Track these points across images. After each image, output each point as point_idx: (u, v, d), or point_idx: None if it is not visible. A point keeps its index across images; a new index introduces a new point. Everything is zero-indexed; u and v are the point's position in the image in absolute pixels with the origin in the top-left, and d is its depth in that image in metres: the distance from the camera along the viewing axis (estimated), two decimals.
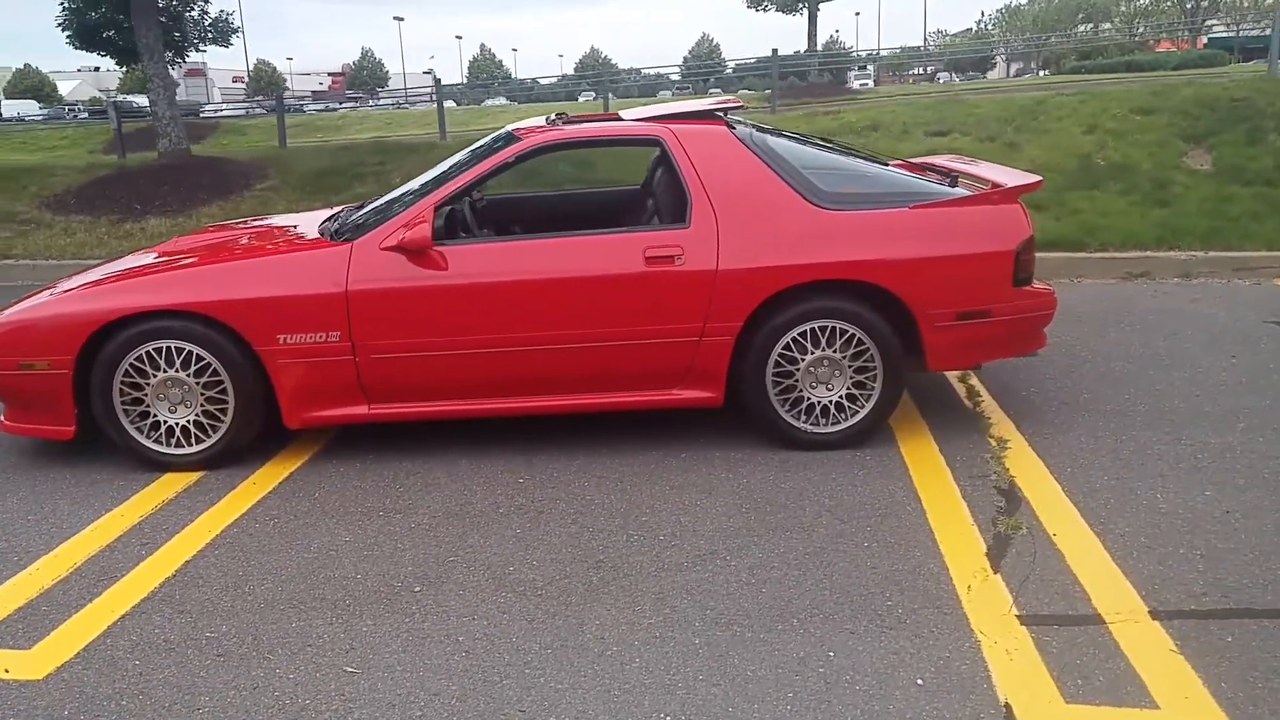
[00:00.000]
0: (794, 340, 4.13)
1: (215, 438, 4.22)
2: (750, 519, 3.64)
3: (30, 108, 54.17)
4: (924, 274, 4.10)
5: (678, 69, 49.73)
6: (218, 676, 2.77)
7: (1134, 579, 3.13)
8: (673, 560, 3.35)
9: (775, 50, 18.49)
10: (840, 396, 4.21)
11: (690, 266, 4.06)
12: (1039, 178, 4.45)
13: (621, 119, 4.60)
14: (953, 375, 5.22)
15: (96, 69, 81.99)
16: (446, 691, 2.67)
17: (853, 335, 4.13)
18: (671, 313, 4.08)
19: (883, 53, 59.73)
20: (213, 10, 22.32)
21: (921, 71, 61.80)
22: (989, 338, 4.22)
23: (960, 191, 4.29)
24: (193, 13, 20.34)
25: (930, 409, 4.74)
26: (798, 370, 4.18)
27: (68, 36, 25.92)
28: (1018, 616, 2.95)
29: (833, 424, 4.23)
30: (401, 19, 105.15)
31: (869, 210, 4.15)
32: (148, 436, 4.23)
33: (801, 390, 4.21)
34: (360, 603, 3.15)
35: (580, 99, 37.87)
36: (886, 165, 4.76)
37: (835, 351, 4.15)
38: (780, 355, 4.16)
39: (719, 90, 37.32)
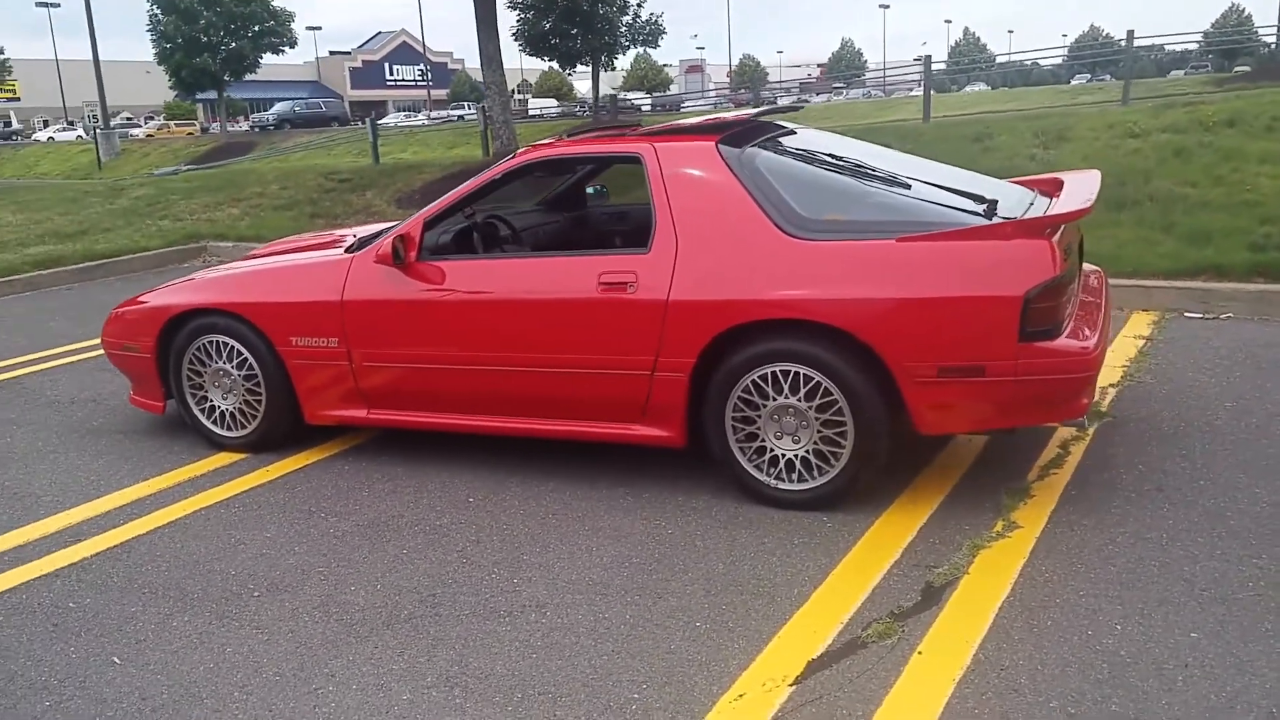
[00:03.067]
0: (755, 384, 3.69)
1: (253, 425, 4.65)
2: (621, 575, 3.34)
3: (550, 105, 60.33)
4: (898, 318, 3.47)
5: (1197, 42, 44.46)
6: (40, 645, 3.11)
7: None
8: (490, 606, 3.19)
9: None
10: (807, 452, 3.70)
11: (642, 295, 3.78)
12: (1084, 205, 3.56)
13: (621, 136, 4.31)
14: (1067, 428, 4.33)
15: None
16: (176, 696, 2.78)
17: (819, 384, 3.60)
18: (623, 343, 3.83)
19: None
20: (644, 14, 23.79)
21: None
22: (988, 400, 3.48)
23: (974, 222, 3.56)
24: (626, 17, 21.91)
25: (986, 468, 3.99)
26: (759, 417, 3.73)
27: (520, 45, 29.09)
28: None
29: (800, 481, 3.73)
30: (886, 6, 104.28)
31: (847, 241, 3.59)
32: (208, 418, 4.76)
33: (765, 440, 3.75)
34: (196, 599, 3.35)
35: (1073, 81, 35.51)
36: (932, 188, 4.04)
37: (800, 400, 3.64)
38: (741, 399, 3.74)
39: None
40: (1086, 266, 4.63)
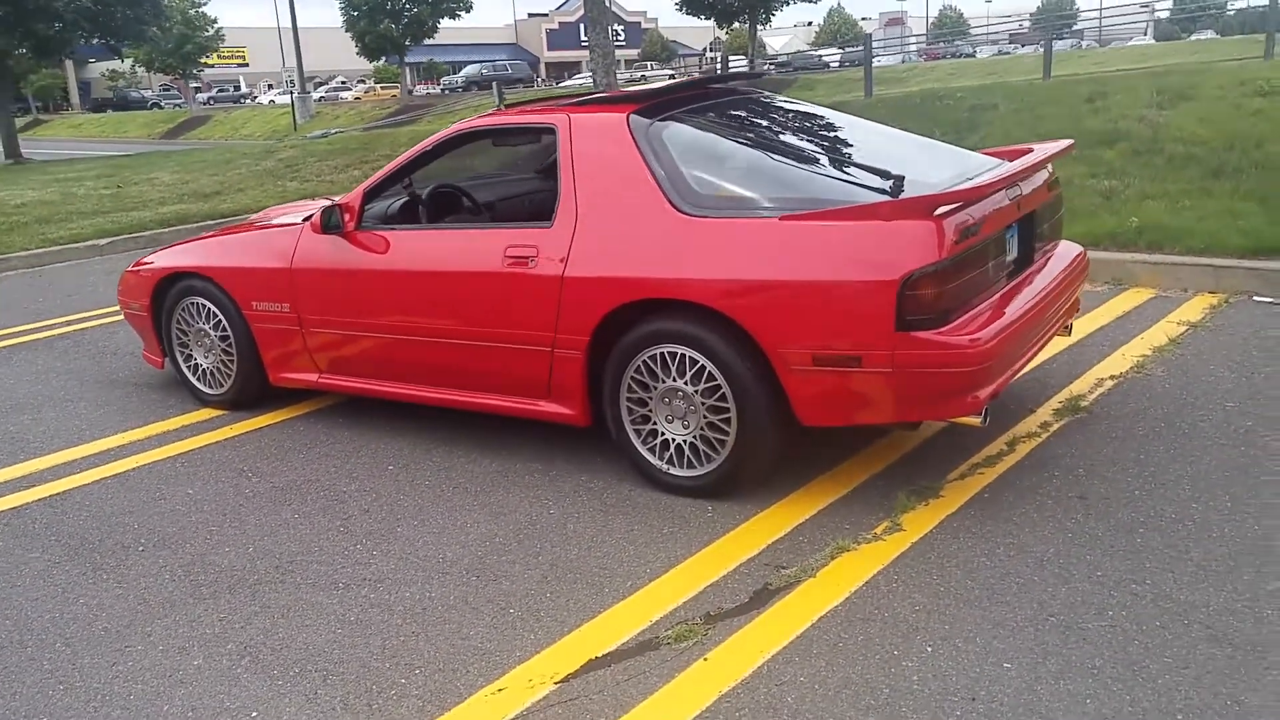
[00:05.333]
0: (646, 365, 3.57)
1: (229, 384, 4.86)
2: (475, 554, 3.33)
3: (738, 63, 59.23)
4: (772, 302, 3.27)
5: None
6: None
7: None
8: (332, 578, 3.23)
9: None
10: (695, 438, 3.55)
11: (540, 270, 3.70)
12: (976, 183, 3.24)
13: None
14: (1043, 417, 3.99)
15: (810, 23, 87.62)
16: (7, 641, 2.98)
17: (704, 368, 3.45)
18: (525, 318, 3.77)
19: None
20: None
21: None
22: (866, 393, 3.24)
23: (869, 198, 3.29)
24: None
25: (912, 461, 3.73)
26: (651, 399, 3.61)
27: (676, 3, 28.95)
28: None
29: (688, 468, 3.60)
30: None
31: (731, 219, 3.40)
32: (194, 375, 5.01)
33: (657, 424, 3.63)
34: (87, 550, 3.54)
35: None
36: (838, 160, 3.75)
37: (687, 384, 3.50)
38: (634, 380, 3.63)
39: None
40: (1065, 245, 4.23)
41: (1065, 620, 2.71)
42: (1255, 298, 5.65)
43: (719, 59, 42.93)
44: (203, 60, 51.43)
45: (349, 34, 40.64)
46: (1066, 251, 4.17)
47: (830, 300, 3.18)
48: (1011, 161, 3.73)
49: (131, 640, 2.95)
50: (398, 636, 2.87)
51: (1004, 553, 3.08)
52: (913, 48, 48.29)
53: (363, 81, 62.47)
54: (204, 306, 4.79)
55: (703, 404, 3.48)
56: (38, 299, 8.08)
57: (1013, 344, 3.33)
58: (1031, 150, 4.02)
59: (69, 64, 67.91)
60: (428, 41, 41.53)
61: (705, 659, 2.66)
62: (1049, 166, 4.13)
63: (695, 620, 2.84)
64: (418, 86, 60.23)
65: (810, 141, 3.94)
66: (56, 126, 55.60)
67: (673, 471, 3.62)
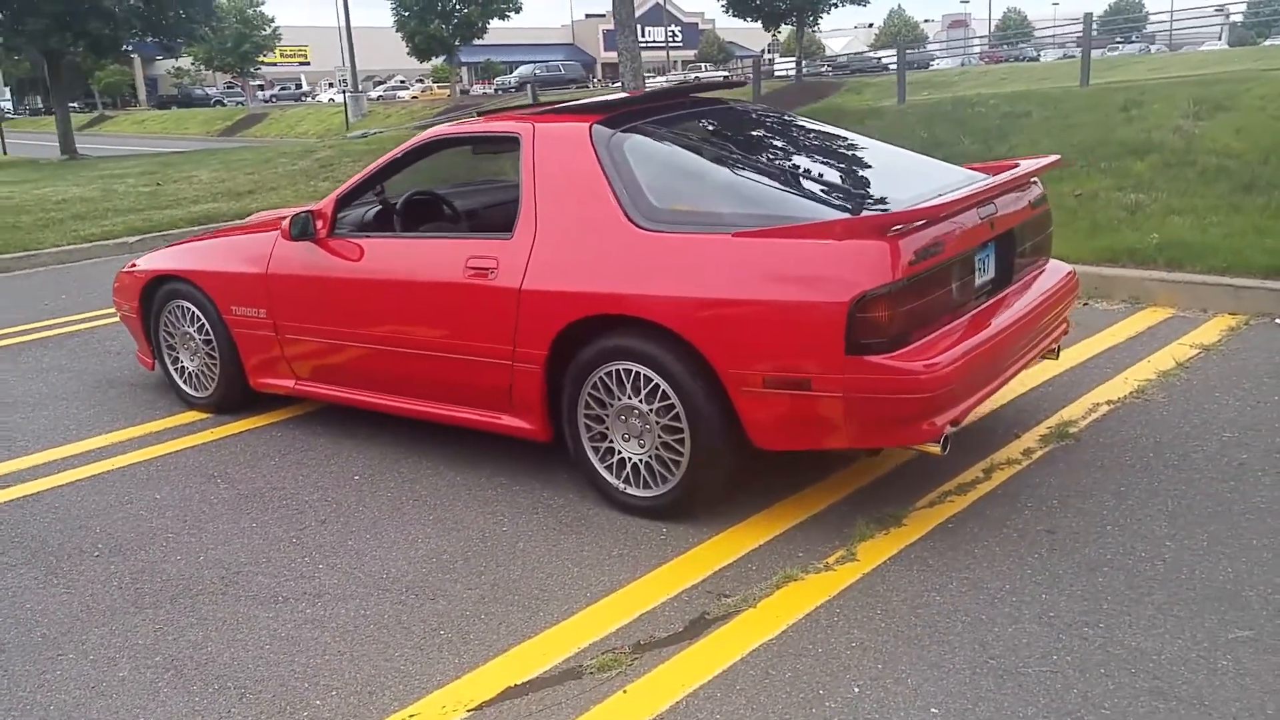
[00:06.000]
0: (602, 382, 3.50)
1: (213, 388, 4.86)
2: (420, 571, 3.27)
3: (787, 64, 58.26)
4: (723, 321, 3.18)
5: None
6: None
7: None
8: (273, 591, 3.20)
9: None
10: (650, 457, 3.47)
11: (500, 282, 3.64)
12: (944, 199, 3.11)
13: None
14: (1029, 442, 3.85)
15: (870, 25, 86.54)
16: None
17: (659, 386, 3.36)
18: (485, 330, 3.72)
19: None
20: None
21: None
22: (818, 417, 3.13)
23: (825, 215, 3.18)
24: None
25: (881, 487, 3.61)
26: (608, 416, 3.53)
27: (722, 5, 28.89)
28: None
29: (644, 487, 3.51)
30: None
31: (685, 234, 3.31)
32: (180, 378, 5.02)
33: (614, 441, 3.55)
34: (46, 554, 3.54)
35: None
36: (810, 176, 3.64)
37: (641, 402, 3.42)
38: (591, 396, 3.55)
39: None
40: (1054, 265, 4.08)
41: (1005, 664, 2.58)
42: (1278, 320, 5.43)
43: (773, 61, 42.74)
44: (261, 59, 52.32)
45: (399, 34, 41.03)
46: (1054, 271, 4.02)
47: (780, 321, 3.08)
48: (993, 177, 3.60)
49: (65, 649, 2.93)
50: (323, 655, 2.82)
51: (956, 587, 2.95)
52: (975, 49, 47.41)
53: (420, 81, 63.21)
54: (188, 310, 4.80)
55: (657, 423, 3.40)
56: (60, 296, 8.20)
57: (978, 369, 3.20)
58: (1016, 165, 3.88)
59: (137, 61, 69.62)
60: (486, 42, 41.80)
61: (624, 691, 2.58)
62: (1036, 182, 3.99)
63: (624, 649, 2.75)
64: (474, 86, 60.78)
65: (780, 156, 3.84)
66: (120, 123, 56.97)
67: (629, 491, 3.54)
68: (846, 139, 4.19)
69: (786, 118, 4.38)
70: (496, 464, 4.07)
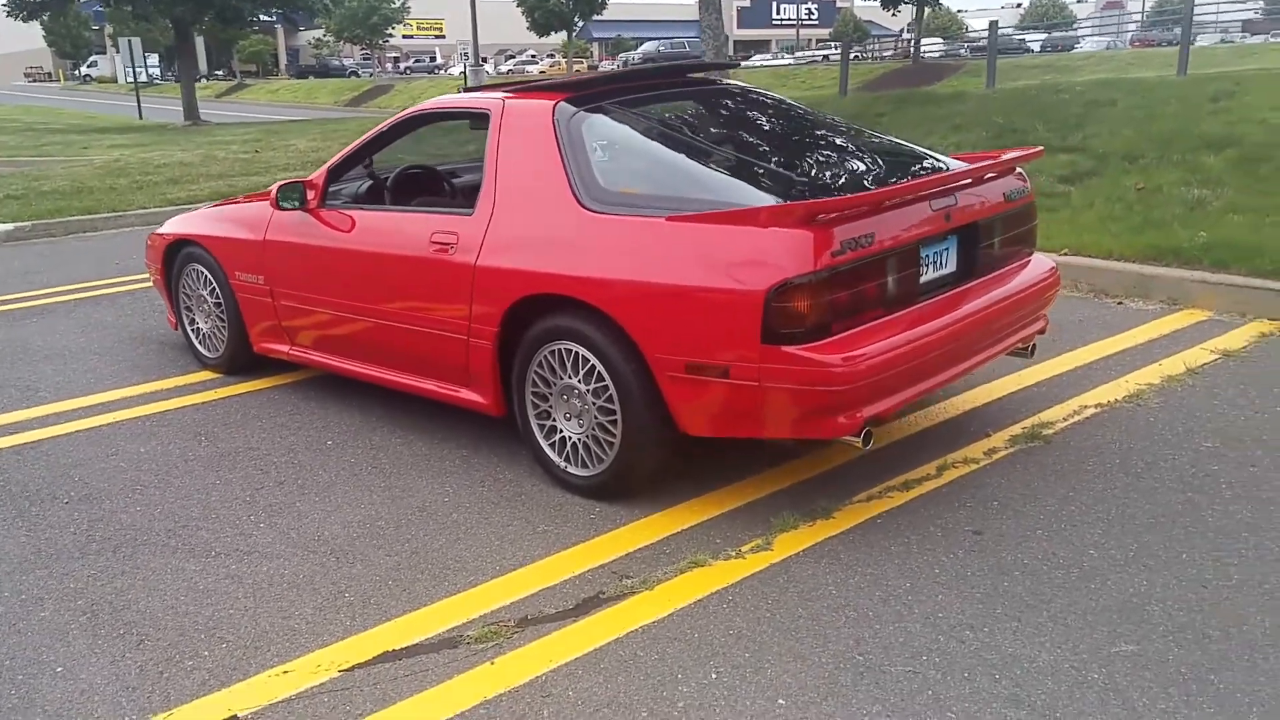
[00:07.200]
0: (546, 360, 3.54)
1: (223, 349, 5.07)
2: (351, 535, 3.38)
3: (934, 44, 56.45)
4: (648, 305, 3.17)
5: None
6: None
7: None
8: (208, 546, 3.34)
9: None
10: (588, 438, 3.49)
11: (457, 258, 3.71)
12: (877, 190, 3.04)
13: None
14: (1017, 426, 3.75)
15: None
16: None
17: (595, 367, 3.39)
18: (444, 304, 3.79)
19: None
20: None
21: None
22: (736, 406, 3.11)
23: (760, 202, 3.14)
24: None
25: (829, 478, 3.56)
26: (551, 395, 3.57)
27: None
28: None
29: (582, 467, 3.54)
30: None
31: (623, 216, 3.31)
32: (196, 338, 5.26)
33: (556, 420, 3.59)
34: (23, 498, 3.77)
35: None
36: (763, 162, 3.58)
37: (579, 382, 3.45)
38: (536, 374, 3.60)
39: None
40: (1038, 260, 3.93)
41: (870, 661, 2.54)
42: None
43: (910, 42, 41.59)
44: (389, 31, 53.55)
45: (519, 9, 41.48)
46: (1035, 267, 3.88)
47: (700, 307, 3.06)
48: (950, 170, 3.49)
49: (3, 587, 3.13)
50: (229, 609, 2.94)
51: (856, 582, 2.91)
52: (1128, 32, 44.89)
53: (551, 56, 63.89)
54: (202, 273, 5.01)
55: (594, 404, 3.42)
56: (131, 256, 8.62)
57: (908, 365, 3.13)
58: (996, 156, 3.75)
59: (280, 32, 72.17)
60: (617, 17, 41.76)
61: (492, 663, 2.62)
62: (1021, 174, 3.85)
63: (508, 622, 2.80)
64: (603, 62, 61.07)
65: (742, 141, 3.79)
66: (257, 91, 59.25)
67: (569, 470, 3.58)
68: (827, 126, 4.12)
69: (771, 102, 4.31)
70: (464, 437, 4.15)
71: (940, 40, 51.05)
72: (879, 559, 3.03)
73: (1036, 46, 38.84)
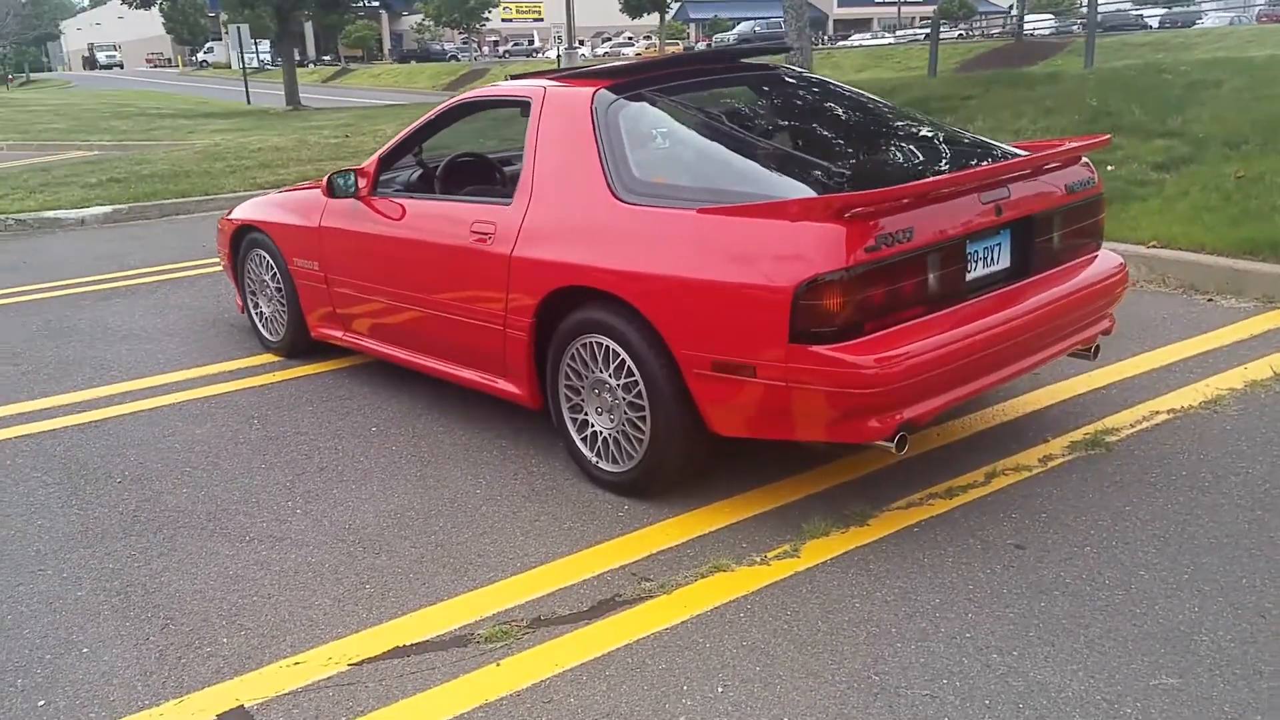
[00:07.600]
0: (579, 353, 3.49)
1: (283, 333, 5.15)
2: (382, 526, 3.38)
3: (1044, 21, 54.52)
4: (677, 300, 3.09)
5: None
6: None
7: None
8: (245, 531, 3.38)
9: None
10: (618, 433, 3.43)
11: (495, 248, 3.68)
12: (918, 182, 2.88)
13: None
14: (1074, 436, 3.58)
15: None
16: None
17: (625, 361, 3.32)
18: (483, 294, 3.77)
19: None
20: None
21: None
22: (763, 406, 3.00)
23: (795, 194, 3.02)
24: None
25: (871, 481, 3.43)
26: (584, 388, 3.52)
27: None
28: None
29: (613, 463, 3.48)
30: None
31: (655, 208, 3.23)
32: (260, 322, 5.35)
33: (588, 414, 3.54)
34: (67, 478, 3.87)
35: None
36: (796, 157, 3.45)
37: (610, 376, 3.38)
38: (569, 368, 3.55)
39: None
40: (1105, 255, 3.72)
41: (887, 682, 2.42)
42: None
43: (1018, 19, 40.21)
44: (486, 15, 54.10)
45: None
46: (1101, 263, 3.67)
47: (726, 303, 2.97)
48: (1001, 160, 3.31)
49: (48, 565, 3.21)
50: (253, 596, 2.97)
51: (883, 596, 2.79)
52: (1255, 7, 42.54)
53: (647, 38, 63.80)
54: (264, 259, 5.09)
55: (624, 399, 3.35)
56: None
57: (949, 367, 2.98)
58: (1059, 145, 3.55)
59: (384, 17, 73.58)
60: None
61: (498, 664, 2.59)
62: (1086, 164, 3.64)
63: (520, 622, 2.76)
64: (699, 43, 60.82)
65: (790, 130, 3.66)
66: (360, 76, 60.46)
67: (600, 465, 3.52)
68: (883, 114, 3.96)
69: (825, 88, 4.16)
70: (504, 427, 4.13)
71: (1051, 17, 49.21)
72: (910, 571, 2.90)
73: (1155, 23, 37.14)
